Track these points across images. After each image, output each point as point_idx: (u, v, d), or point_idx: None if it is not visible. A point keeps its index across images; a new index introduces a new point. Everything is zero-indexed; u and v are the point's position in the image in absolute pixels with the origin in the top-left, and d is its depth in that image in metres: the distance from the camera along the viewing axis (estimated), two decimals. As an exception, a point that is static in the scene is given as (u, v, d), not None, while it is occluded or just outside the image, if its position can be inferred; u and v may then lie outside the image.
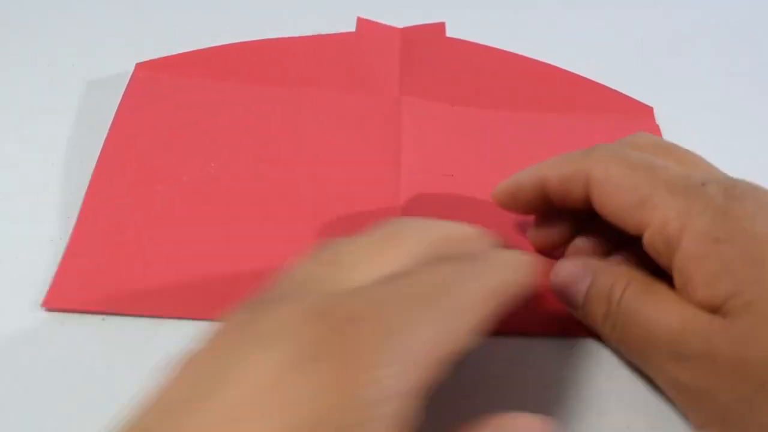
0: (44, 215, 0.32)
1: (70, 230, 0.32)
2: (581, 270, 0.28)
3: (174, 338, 0.28)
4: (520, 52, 0.43)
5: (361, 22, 0.44)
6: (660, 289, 0.25)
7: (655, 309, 0.24)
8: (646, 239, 0.25)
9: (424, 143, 0.37)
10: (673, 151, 0.28)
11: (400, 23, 0.44)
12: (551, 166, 0.28)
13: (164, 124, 0.37)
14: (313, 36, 0.43)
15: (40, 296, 0.29)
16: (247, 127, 0.37)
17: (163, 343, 0.28)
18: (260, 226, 0.32)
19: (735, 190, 0.24)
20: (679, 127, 0.40)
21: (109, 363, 0.27)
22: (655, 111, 0.41)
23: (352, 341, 0.18)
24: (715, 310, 0.23)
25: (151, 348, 0.28)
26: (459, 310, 0.20)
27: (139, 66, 0.40)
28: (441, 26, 0.45)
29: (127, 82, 0.38)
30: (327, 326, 0.18)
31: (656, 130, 0.40)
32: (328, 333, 0.18)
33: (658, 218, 0.24)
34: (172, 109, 0.37)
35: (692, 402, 0.24)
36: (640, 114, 0.40)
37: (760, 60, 0.46)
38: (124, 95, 0.38)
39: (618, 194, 0.25)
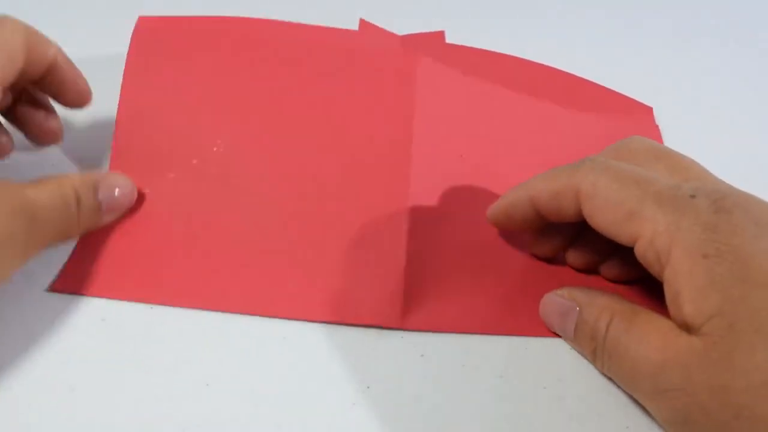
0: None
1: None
2: (566, 305, 0.28)
3: (175, 336, 0.28)
4: (520, 56, 0.43)
5: (363, 24, 0.44)
6: (643, 319, 0.25)
7: (638, 343, 0.24)
8: (637, 251, 0.25)
9: (438, 114, 0.36)
10: (667, 156, 0.28)
11: (399, 29, 0.44)
12: (540, 184, 0.28)
13: (169, 103, 0.35)
14: (317, 26, 0.41)
15: (41, 295, 0.29)
16: (252, 99, 0.36)
17: (162, 342, 0.28)
18: (264, 229, 0.32)
19: (725, 203, 0.24)
20: (679, 127, 0.40)
21: (109, 362, 0.27)
22: (654, 111, 0.41)
23: None
24: (698, 328, 0.23)
25: (151, 348, 0.28)
26: None
27: (143, 19, 0.37)
28: (440, 35, 0.44)
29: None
30: None
31: (656, 130, 0.39)
32: None
33: (647, 231, 0.24)
34: (175, 86, 0.36)
35: (675, 430, 0.24)
36: (640, 114, 0.40)
37: (760, 60, 0.46)
38: (131, 44, 0.36)
39: (607, 208, 0.25)
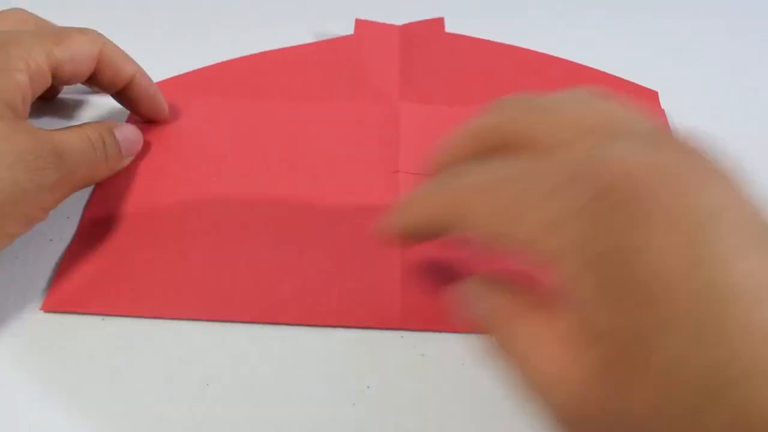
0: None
1: (69, 230, 0.32)
2: (466, 296, 0.24)
3: (173, 339, 0.28)
4: (521, 45, 0.42)
5: (359, 23, 0.44)
6: (539, 323, 0.21)
7: (531, 351, 0.21)
8: (529, 258, 0.22)
9: (423, 147, 0.36)
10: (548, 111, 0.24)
11: (398, 22, 0.44)
12: (424, 203, 0.25)
13: (168, 136, 0.37)
14: (311, 44, 0.43)
15: (40, 296, 0.29)
16: (248, 140, 0.37)
17: (162, 343, 0.28)
18: (259, 232, 0.32)
19: (613, 193, 0.19)
20: (684, 111, 0.39)
21: (109, 363, 0.27)
22: (660, 95, 0.40)
23: None
24: (592, 343, 0.20)
25: (151, 348, 0.28)
26: None
27: None
28: (440, 21, 0.44)
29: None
30: None
31: (662, 114, 0.39)
32: None
33: (532, 236, 0.21)
34: (176, 124, 0.38)
35: None
36: (645, 99, 0.40)
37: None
38: (130, 113, 0.38)
39: (490, 220, 0.22)
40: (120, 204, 0.33)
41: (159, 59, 0.41)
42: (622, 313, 0.19)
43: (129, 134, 0.34)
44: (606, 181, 0.19)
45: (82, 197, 0.33)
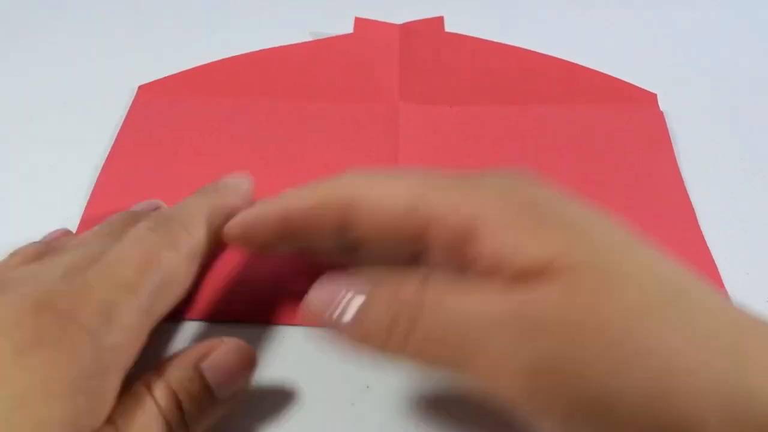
0: (43, 217, 0.33)
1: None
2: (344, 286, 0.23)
3: (173, 339, 0.29)
4: (520, 44, 0.43)
5: (359, 22, 0.44)
6: (462, 284, 0.21)
7: (468, 303, 0.20)
8: (432, 241, 0.22)
9: (423, 148, 0.37)
10: None
11: (397, 21, 0.44)
12: (297, 196, 0.25)
13: (167, 137, 0.37)
14: (311, 42, 0.43)
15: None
16: (247, 140, 0.37)
17: (162, 343, 0.28)
18: None
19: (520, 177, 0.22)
20: (683, 113, 0.39)
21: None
22: (659, 97, 0.40)
23: None
24: (540, 272, 0.20)
25: (151, 348, 0.28)
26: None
27: (142, 88, 0.40)
28: (440, 20, 0.44)
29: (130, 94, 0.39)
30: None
31: (660, 116, 0.39)
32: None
33: (439, 213, 0.21)
34: (174, 125, 0.38)
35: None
36: (643, 100, 0.40)
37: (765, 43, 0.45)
38: (129, 111, 0.38)
39: (384, 205, 0.22)
40: (119, 204, 0.33)
41: (159, 58, 0.42)
42: (564, 240, 0.20)
43: (221, 364, 0.24)
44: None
45: (81, 197, 0.33)
